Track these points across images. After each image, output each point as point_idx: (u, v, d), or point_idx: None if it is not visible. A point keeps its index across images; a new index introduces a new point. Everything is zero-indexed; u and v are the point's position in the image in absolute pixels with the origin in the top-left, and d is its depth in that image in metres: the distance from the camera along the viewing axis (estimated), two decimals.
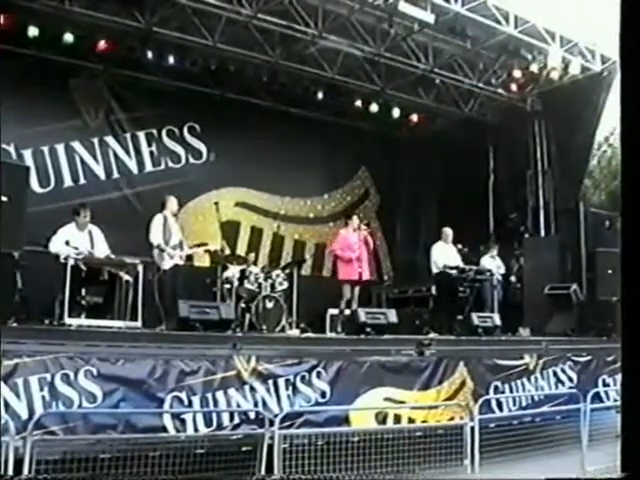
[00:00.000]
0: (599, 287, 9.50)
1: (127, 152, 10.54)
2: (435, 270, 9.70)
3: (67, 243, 6.76)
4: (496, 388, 7.48)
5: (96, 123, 10.25)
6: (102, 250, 7.23)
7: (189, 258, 8.80)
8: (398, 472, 6.04)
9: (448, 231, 9.96)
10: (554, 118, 11.68)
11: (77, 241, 6.94)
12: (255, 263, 9.51)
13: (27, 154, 9.35)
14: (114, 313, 6.64)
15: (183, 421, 5.48)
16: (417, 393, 6.90)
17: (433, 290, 10.36)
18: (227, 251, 8.91)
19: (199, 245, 8.78)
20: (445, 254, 9.75)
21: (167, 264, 7.85)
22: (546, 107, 11.87)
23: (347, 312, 8.89)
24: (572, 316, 9.66)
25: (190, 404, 5.57)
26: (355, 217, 9.52)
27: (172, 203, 8.18)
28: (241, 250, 10.86)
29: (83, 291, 6.48)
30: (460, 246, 9.92)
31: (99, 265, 6.80)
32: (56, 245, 6.89)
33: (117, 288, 6.75)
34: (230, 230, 10.53)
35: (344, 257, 9.06)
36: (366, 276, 9.14)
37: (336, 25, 9.48)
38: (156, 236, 7.86)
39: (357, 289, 9.08)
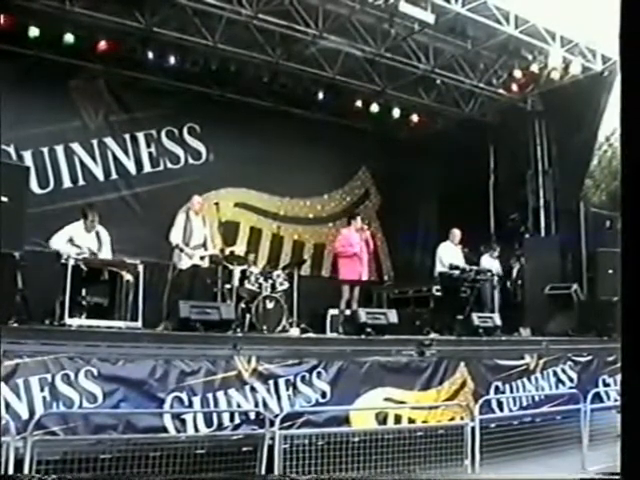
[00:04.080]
0: (600, 287, 9.49)
1: (126, 153, 10.48)
2: (440, 269, 9.71)
3: (70, 240, 6.76)
4: (496, 388, 7.49)
5: (95, 124, 10.20)
6: (109, 252, 7.23)
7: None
8: (398, 472, 6.03)
9: (456, 232, 10.00)
10: (555, 118, 11.68)
11: (84, 241, 6.95)
12: (255, 263, 9.49)
13: (27, 155, 9.32)
14: (114, 313, 6.64)
15: (184, 421, 5.49)
16: (417, 393, 6.90)
17: (434, 290, 10.34)
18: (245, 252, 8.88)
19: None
20: (451, 254, 9.78)
21: (185, 264, 7.87)
22: (547, 107, 11.87)
23: (347, 312, 8.90)
24: (573, 316, 9.66)
25: (190, 404, 5.58)
26: (359, 218, 9.53)
27: (193, 202, 8.26)
28: (240, 250, 10.85)
29: (84, 291, 6.47)
30: (461, 246, 9.94)
31: (100, 265, 6.80)
32: (58, 242, 6.90)
33: (118, 288, 6.75)
34: (229, 231, 10.53)
35: (346, 254, 9.06)
36: (365, 276, 9.15)
37: (336, 25, 9.47)
38: (176, 236, 7.93)
39: (357, 289, 9.09)
